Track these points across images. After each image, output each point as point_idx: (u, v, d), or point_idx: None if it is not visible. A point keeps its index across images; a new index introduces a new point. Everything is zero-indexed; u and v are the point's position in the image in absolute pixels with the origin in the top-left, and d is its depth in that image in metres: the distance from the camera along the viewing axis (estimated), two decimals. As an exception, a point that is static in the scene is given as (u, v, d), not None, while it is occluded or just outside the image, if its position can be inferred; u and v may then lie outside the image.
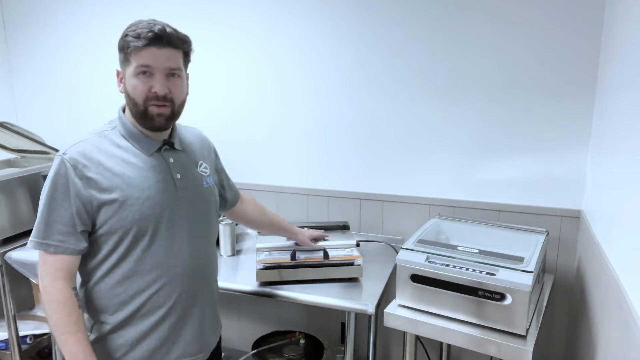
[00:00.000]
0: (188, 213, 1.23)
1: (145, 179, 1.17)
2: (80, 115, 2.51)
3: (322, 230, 1.74)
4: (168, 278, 1.20)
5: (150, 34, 1.09)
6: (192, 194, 1.25)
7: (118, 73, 1.18)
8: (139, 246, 1.16)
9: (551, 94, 1.73)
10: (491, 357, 1.37)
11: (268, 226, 1.65)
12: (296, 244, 1.67)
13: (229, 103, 2.22)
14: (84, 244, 1.15)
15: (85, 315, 1.21)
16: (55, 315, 1.12)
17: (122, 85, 1.17)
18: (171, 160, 1.22)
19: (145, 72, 1.12)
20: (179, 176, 1.22)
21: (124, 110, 1.23)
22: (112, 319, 1.19)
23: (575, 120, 1.72)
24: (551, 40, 1.70)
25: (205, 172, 1.32)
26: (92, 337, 1.20)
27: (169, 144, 1.23)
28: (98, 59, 2.41)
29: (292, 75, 2.09)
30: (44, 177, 1.94)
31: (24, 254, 1.92)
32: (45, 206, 1.12)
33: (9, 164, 2.41)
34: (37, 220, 1.14)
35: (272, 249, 1.67)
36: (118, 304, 1.18)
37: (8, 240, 2.00)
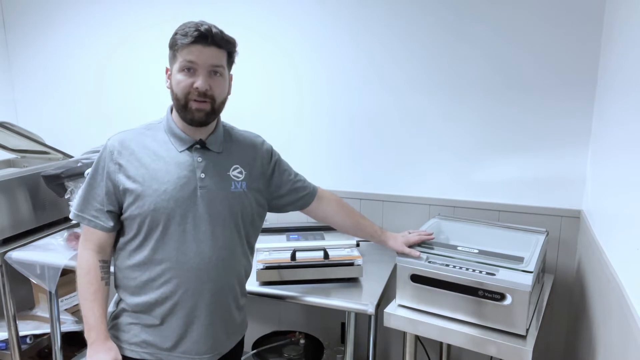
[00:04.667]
0: (205, 213, 1.24)
1: (167, 173, 1.22)
2: (80, 115, 2.51)
3: (422, 232, 1.52)
4: (175, 272, 1.23)
5: (196, 33, 1.16)
6: (213, 195, 1.25)
7: (167, 70, 1.25)
8: (153, 236, 1.22)
9: (551, 94, 1.73)
10: (491, 357, 1.37)
11: (353, 230, 1.54)
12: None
13: (228, 103, 2.21)
14: (111, 223, 1.25)
15: (116, 294, 1.33)
16: (79, 279, 1.25)
17: (168, 81, 1.24)
18: (199, 159, 1.25)
19: (189, 68, 1.18)
20: (203, 175, 1.24)
21: (172, 108, 1.29)
22: (129, 300, 1.27)
23: (576, 120, 1.72)
24: (552, 40, 1.70)
25: (238, 177, 1.30)
26: (114, 312, 1.31)
27: (200, 143, 1.26)
28: (98, 59, 2.41)
29: (292, 75, 2.09)
30: (44, 177, 1.96)
31: (24, 254, 1.92)
32: (87, 184, 1.26)
33: (9, 164, 2.41)
34: (79, 194, 1.28)
35: (272, 249, 1.67)
36: (134, 288, 1.25)
37: (8, 240, 2.00)
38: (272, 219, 2.22)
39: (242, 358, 2.13)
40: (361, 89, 1.99)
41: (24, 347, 2.24)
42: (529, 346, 1.27)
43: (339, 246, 1.68)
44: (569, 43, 1.68)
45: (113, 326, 1.30)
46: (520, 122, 1.79)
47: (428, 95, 1.90)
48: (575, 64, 1.69)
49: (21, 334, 2.17)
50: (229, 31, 2.15)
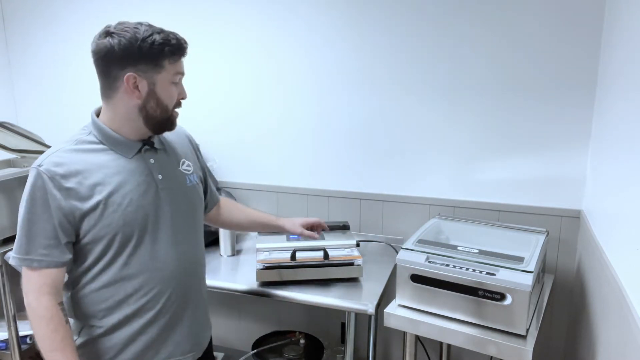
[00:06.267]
0: (171, 214, 1.21)
1: (126, 183, 1.15)
2: (80, 115, 2.49)
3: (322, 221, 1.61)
4: (156, 281, 1.19)
5: (185, 45, 1.16)
6: (175, 194, 1.23)
7: (128, 79, 1.10)
8: (125, 251, 1.15)
9: (551, 95, 1.73)
10: (491, 357, 1.37)
11: (249, 224, 1.57)
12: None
13: (227, 102, 2.21)
14: (68, 256, 1.13)
15: (72, 320, 1.21)
16: (41, 331, 1.11)
17: (138, 92, 1.12)
18: (151, 161, 1.21)
19: (178, 80, 1.17)
20: (160, 177, 1.21)
21: (97, 115, 1.20)
22: (101, 323, 1.19)
23: (575, 120, 1.72)
24: (551, 41, 1.70)
25: (188, 170, 1.29)
26: (80, 340, 1.19)
27: (148, 144, 1.21)
28: (98, 59, 2.41)
29: (292, 74, 2.09)
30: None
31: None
32: (25, 220, 1.11)
33: (9, 164, 2.41)
34: (18, 235, 1.12)
35: (272, 249, 1.67)
36: (106, 309, 1.18)
37: (8, 240, 2.00)
38: (272, 219, 2.22)
39: (242, 358, 2.14)
40: (361, 89, 1.99)
41: (24, 347, 2.24)
42: (529, 346, 1.27)
43: (339, 246, 1.68)
44: (569, 43, 1.68)
45: (82, 355, 1.17)
46: (520, 123, 1.79)
47: (428, 95, 1.89)
48: (575, 65, 1.68)
49: (21, 334, 2.17)
50: (221, 32, 2.17)
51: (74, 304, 1.19)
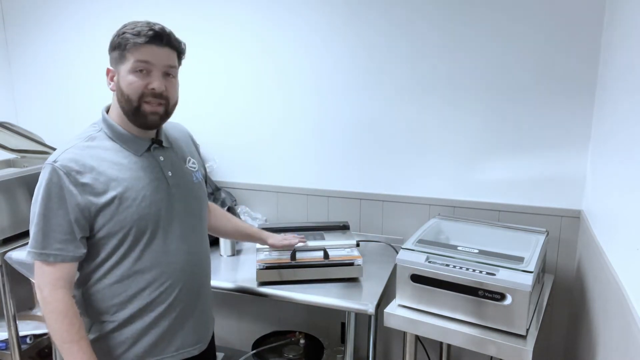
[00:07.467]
0: (181, 210, 1.24)
1: (139, 180, 1.17)
2: (80, 115, 2.51)
3: (301, 236, 1.67)
4: (167, 275, 1.22)
5: (151, 32, 1.12)
6: (184, 191, 1.26)
7: (108, 71, 1.17)
8: (138, 246, 1.18)
9: (551, 95, 1.73)
10: (491, 357, 1.37)
11: (235, 233, 1.62)
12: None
13: (228, 102, 2.21)
14: (83, 250, 1.15)
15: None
16: (56, 324, 1.12)
17: (112, 83, 1.17)
18: (161, 158, 1.23)
19: (142, 69, 1.13)
20: (170, 174, 1.23)
21: (107, 111, 1.22)
22: (113, 318, 1.20)
23: (575, 120, 1.72)
24: (551, 41, 1.70)
25: (194, 168, 1.32)
26: (91, 336, 1.20)
27: (157, 142, 1.23)
28: (98, 59, 2.41)
29: (292, 75, 2.09)
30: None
31: (24, 254, 1.91)
32: (41, 216, 1.11)
33: (9, 164, 2.41)
34: (33, 230, 1.13)
35: (272, 249, 1.67)
36: (119, 304, 1.19)
37: (8, 240, 2.00)
38: (272, 219, 2.22)
39: (242, 358, 2.14)
40: (361, 89, 1.99)
41: (24, 347, 2.24)
42: (529, 346, 1.27)
43: (339, 246, 1.68)
44: (569, 44, 1.68)
45: (94, 350, 1.17)
46: (520, 123, 1.79)
47: (428, 96, 1.89)
48: (575, 65, 1.68)
49: (21, 334, 2.17)
50: (221, 33, 2.17)
51: (86, 301, 1.21)
